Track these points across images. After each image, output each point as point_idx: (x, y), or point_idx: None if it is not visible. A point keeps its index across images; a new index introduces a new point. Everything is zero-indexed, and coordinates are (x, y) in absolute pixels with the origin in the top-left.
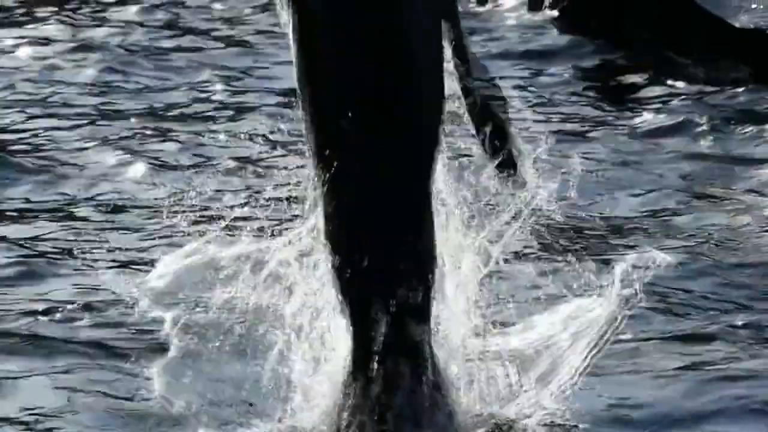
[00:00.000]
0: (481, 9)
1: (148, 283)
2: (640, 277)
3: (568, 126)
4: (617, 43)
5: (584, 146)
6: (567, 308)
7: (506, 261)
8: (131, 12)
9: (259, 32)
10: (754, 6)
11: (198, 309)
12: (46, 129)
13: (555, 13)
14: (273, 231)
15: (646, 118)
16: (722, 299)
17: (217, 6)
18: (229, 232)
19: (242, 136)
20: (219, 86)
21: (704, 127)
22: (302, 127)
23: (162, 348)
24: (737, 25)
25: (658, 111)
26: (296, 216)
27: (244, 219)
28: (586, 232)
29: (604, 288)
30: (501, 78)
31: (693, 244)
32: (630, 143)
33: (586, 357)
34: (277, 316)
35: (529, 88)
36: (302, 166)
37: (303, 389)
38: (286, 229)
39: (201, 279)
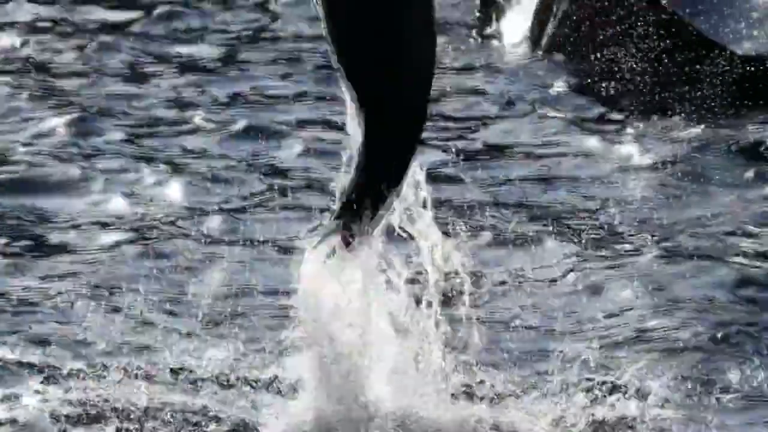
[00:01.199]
0: (481, 43)
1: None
2: None
3: (567, 152)
4: (616, 74)
5: (585, 173)
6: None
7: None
8: (122, 31)
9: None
10: (755, 33)
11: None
12: (32, 153)
13: (554, 46)
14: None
15: (643, 147)
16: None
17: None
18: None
19: (238, 161)
20: (209, 110)
21: (701, 154)
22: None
23: None
24: (740, 52)
25: (658, 140)
26: None
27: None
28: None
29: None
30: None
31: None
32: (626, 171)
33: None
34: None
35: (529, 121)
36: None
37: None
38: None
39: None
